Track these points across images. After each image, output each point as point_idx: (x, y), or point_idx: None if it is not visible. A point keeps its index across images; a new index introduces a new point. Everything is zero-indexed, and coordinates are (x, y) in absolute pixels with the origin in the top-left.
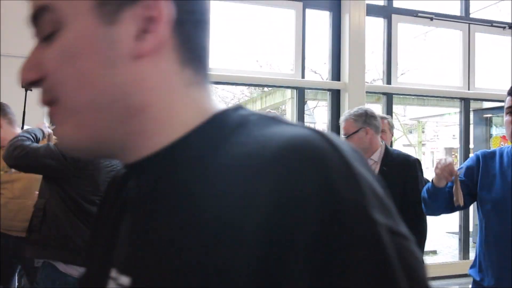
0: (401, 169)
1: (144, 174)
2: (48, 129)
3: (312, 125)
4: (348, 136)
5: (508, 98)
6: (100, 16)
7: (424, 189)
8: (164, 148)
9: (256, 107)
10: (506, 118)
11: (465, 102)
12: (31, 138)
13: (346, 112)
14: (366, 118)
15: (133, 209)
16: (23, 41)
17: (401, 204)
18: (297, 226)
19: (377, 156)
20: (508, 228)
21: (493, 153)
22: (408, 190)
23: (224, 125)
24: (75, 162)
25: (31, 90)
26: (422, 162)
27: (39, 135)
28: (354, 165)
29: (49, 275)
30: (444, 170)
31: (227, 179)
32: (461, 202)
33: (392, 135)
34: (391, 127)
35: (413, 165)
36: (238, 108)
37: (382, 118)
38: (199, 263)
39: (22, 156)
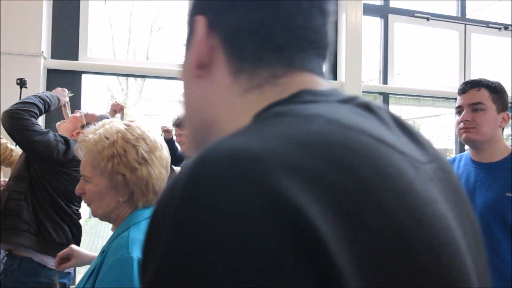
0: None
1: None
2: (66, 98)
3: None
4: None
5: (458, 97)
6: None
7: None
8: None
9: None
10: (455, 118)
11: None
12: (42, 109)
13: None
14: None
15: None
16: (19, 39)
17: None
18: None
19: None
20: None
21: (453, 160)
22: None
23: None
24: (64, 159)
25: (26, 88)
26: None
27: (54, 103)
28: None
29: (26, 266)
30: None
31: None
32: None
33: None
34: None
35: None
36: (290, 99)
37: None
38: None
39: (19, 129)
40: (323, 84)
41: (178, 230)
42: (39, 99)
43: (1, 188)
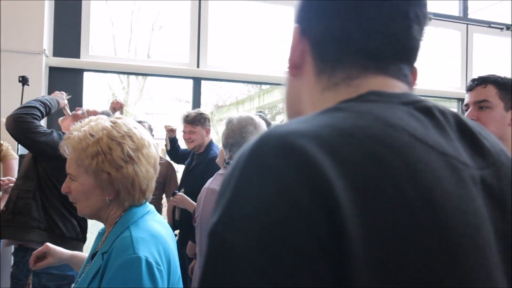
0: None
1: None
2: (64, 101)
3: None
4: None
5: (466, 95)
6: None
7: None
8: None
9: (254, 105)
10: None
11: (463, 103)
12: (44, 112)
13: None
14: None
15: None
16: (21, 36)
17: None
18: None
19: None
20: None
21: None
22: None
23: None
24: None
25: (28, 85)
26: None
27: (54, 106)
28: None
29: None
30: None
31: None
32: None
33: None
34: None
35: None
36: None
37: None
38: None
39: (22, 131)
40: (398, 86)
41: (243, 176)
42: (40, 103)
43: (5, 186)
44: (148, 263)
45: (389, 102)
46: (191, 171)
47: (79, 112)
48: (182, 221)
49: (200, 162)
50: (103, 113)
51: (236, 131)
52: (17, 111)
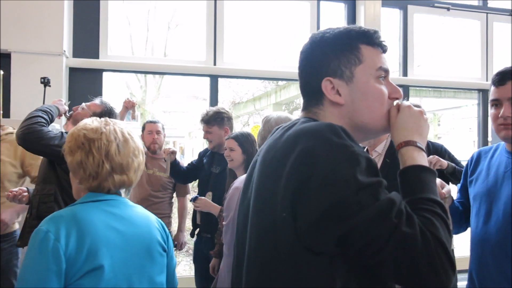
0: None
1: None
2: (64, 107)
3: None
4: None
5: (493, 88)
6: None
7: None
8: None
9: (270, 101)
10: (491, 111)
11: (484, 93)
12: (47, 119)
13: None
14: None
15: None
16: (42, 38)
17: None
18: None
19: (381, 148)
20: (481, 227)
21: (489, 149)
22: None
23: None
24: None
25: (49, 86)
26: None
27: (55, 112)
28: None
29: None
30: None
31: None
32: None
33: None
34: None
35: None
36: None
37: None
38: None
39: (36, 141)
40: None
41: (331, 152)
42: (41, 111)
43: (19, 196)
44: (46, 236)
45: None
46: (220, 175)
47: (79, 109)
48: (203, 225)
49: (226, 167)
50: (101, 101)
51: None
52: (22, 124)
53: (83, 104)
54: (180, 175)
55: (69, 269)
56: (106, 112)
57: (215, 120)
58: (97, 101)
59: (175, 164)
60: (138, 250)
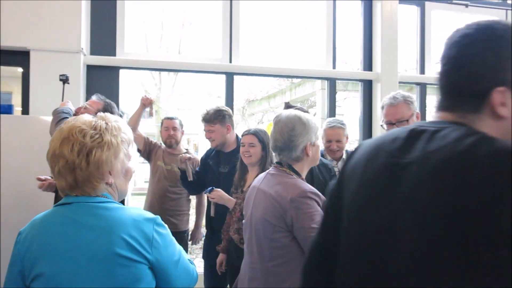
0: None
1: None
2: (73, 107)
3: (341, 117)
4: (402, 121)
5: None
6: None
7: None
8: None
9: (285, 99)
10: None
11: None
12: (69, 116)
13: (391, 94)
14: (415, 102)
15: None
16: (60, 36)
17: None
18: None
19: None
20: None
21: None
22: None
23: None
24: None
25: (68, 83)
26: None
27: (72, 110)
28: None
29: None
30: None
31: None
32: None
33: None
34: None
35: None
36: None
37: None
38: None
39: None
40: None
41: None
42: (62, 112)
43: (46, 185)
44: (17, 238)
45: None
46: (229, 174)
47: (82, 109)
48: (217, 218)
49: (235, 165)
50: (98, 97)
51: (284, 135)
52: (51, 126)
53: (85, 103)
54: (193, 186)
55: (24, 271)
56: (108, 106)
57: (217, 118)
58: (94, 98)
59: (183, 172)
60: (89, 261)
